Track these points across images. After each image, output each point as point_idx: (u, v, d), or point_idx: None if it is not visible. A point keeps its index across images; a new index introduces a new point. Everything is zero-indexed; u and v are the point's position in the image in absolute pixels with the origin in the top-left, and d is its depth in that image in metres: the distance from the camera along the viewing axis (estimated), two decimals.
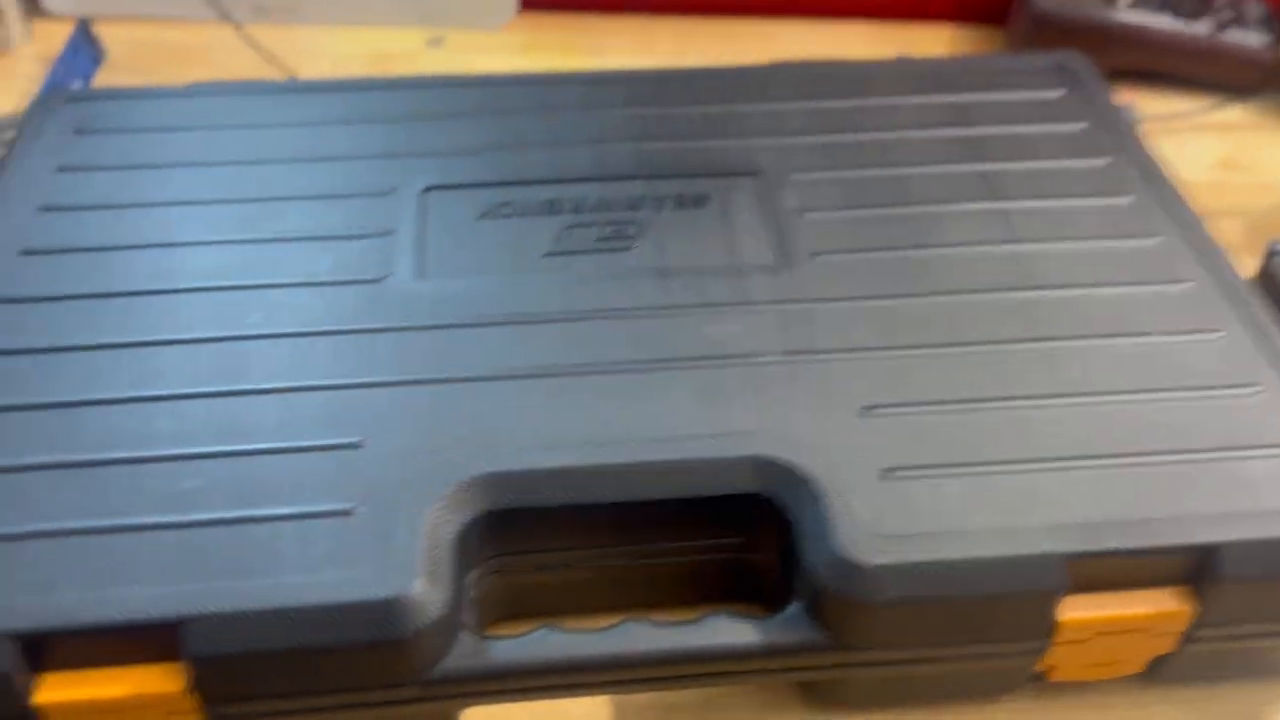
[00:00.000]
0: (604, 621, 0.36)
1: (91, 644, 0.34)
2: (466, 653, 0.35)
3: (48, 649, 0.34)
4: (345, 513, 0.36)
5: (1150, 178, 0.49)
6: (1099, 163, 0.50)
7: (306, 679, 0.35)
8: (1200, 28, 0.67)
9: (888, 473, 0.37)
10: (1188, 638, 0.37)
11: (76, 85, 0.68)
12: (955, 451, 0.38)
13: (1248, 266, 0.48)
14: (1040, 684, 0.39)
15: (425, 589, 0.34)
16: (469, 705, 0.37)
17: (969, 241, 0.46)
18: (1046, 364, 0.41)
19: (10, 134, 0.62)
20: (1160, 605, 0.36)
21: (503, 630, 0.38)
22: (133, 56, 0.71)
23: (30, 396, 0.39)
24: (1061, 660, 0.37)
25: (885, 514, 0.36)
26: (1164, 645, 0.38)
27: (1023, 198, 0.48)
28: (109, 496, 0.36)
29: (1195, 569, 0.36)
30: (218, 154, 0.50)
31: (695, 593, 0.40)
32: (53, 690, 0.34)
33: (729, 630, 0.36)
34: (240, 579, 0.34)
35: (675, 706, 0.40)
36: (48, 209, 0.47)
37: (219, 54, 0.71)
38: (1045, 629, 0.36)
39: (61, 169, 0.49)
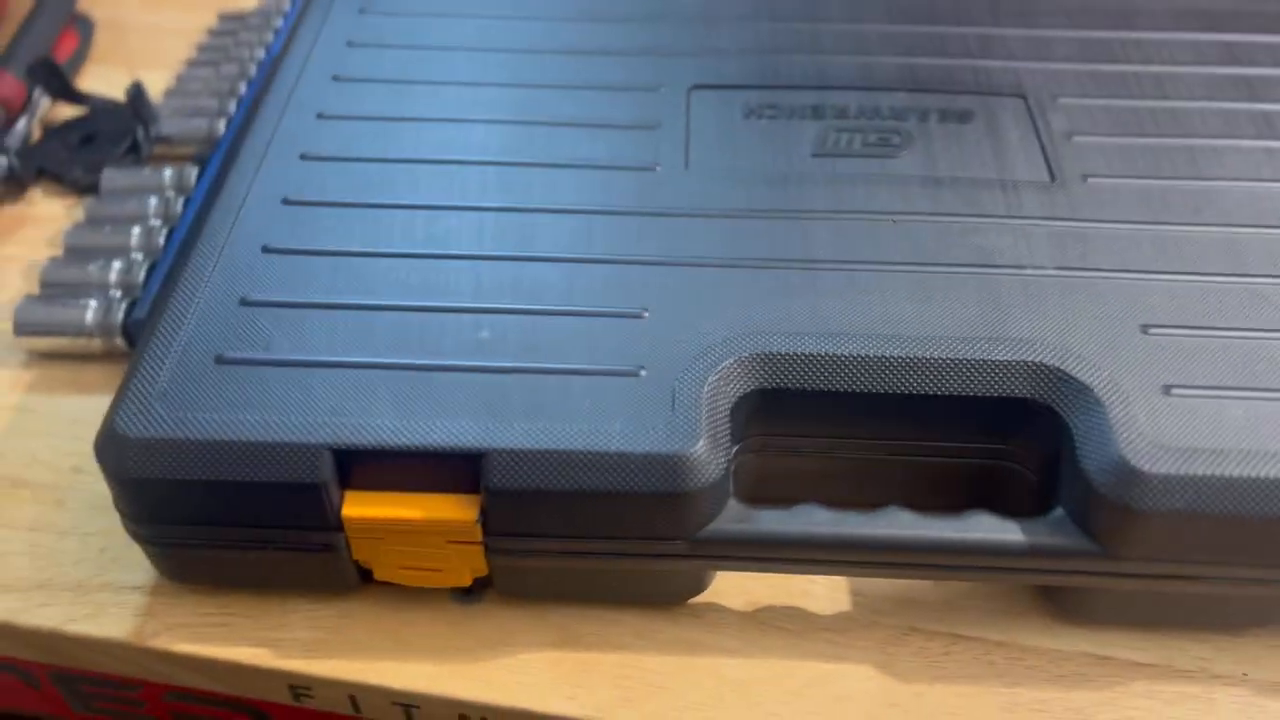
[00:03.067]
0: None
1: (395, 468, 0.37)
2: (735, 517, 0.37)
3: (356, 467, 0.37)
4: (632, 373, 0.38)
5: None
6: None
7: (584, 522, 0.37)
8: None
9: (1169, 389, 0.37)
10: None
11: None
12: (1238, 376, 0.37)
13: None
14: None
15: (707, 451, 0.36)
16: (725, 568, 0.39)
17: (1247, 178, 0.45)
18: None
19: (278, 20, 0.65)
20: None
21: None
22: None
23: (336, 245, 0.42)
24: None
25: (1167, 427, 0.36)
26: None
27: None
28: (412, 337, 0.39)
29: None
30: (493, 41, 0.52)
31: (943, 495, 0.41)
32: (358, 506, 0.37)
33: (994, 527, 0.36)
34: (536, 421, 0.36)
35: (913, 601, 0.41)
36: (339, 78, 0.50)
37: None
38: None
39: (350, 43, 0.52)
